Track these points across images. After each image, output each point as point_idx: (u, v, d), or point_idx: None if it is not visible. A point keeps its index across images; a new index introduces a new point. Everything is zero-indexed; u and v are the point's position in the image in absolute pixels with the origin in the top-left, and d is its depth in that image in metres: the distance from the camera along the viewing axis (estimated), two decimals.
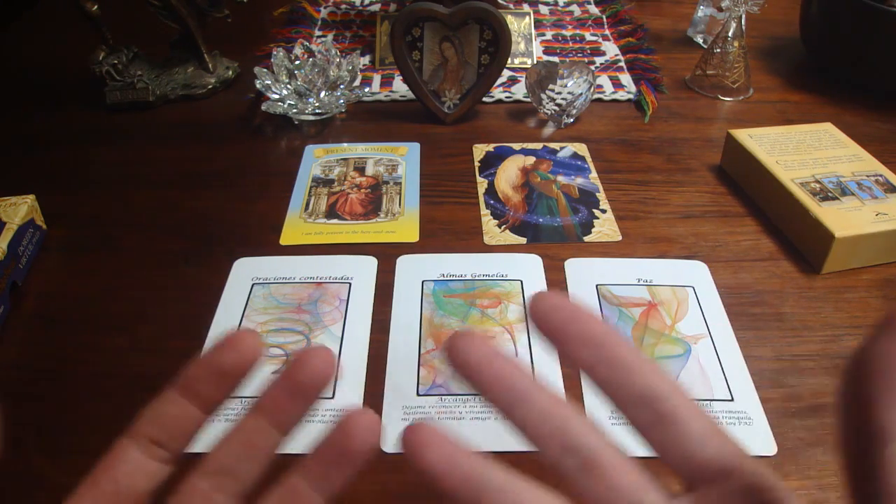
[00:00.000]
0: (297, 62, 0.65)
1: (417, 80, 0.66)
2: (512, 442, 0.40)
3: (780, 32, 0.85)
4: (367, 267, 0.51)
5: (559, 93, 0.64)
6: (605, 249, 0.53)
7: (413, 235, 0.54)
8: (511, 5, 0.87)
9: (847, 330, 0.46)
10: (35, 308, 0.48)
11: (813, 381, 0.43)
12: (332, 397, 0.41)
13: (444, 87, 0.67)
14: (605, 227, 0.55)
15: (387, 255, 0.52)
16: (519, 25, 0.79)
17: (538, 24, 0.86)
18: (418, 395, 0.42)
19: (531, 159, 0.63)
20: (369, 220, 0.56)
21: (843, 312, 0.48)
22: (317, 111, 0.66)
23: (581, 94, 0.65)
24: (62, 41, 0.84)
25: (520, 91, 0.72)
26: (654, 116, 0.69)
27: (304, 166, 0.62)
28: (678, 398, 0.20)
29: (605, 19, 0.88)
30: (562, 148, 0.64)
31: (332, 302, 0.48)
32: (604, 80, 0.75)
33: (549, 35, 0.85)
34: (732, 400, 0.41)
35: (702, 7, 0.83)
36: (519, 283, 0.49)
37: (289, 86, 0.64)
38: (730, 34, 0.70)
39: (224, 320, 0.46)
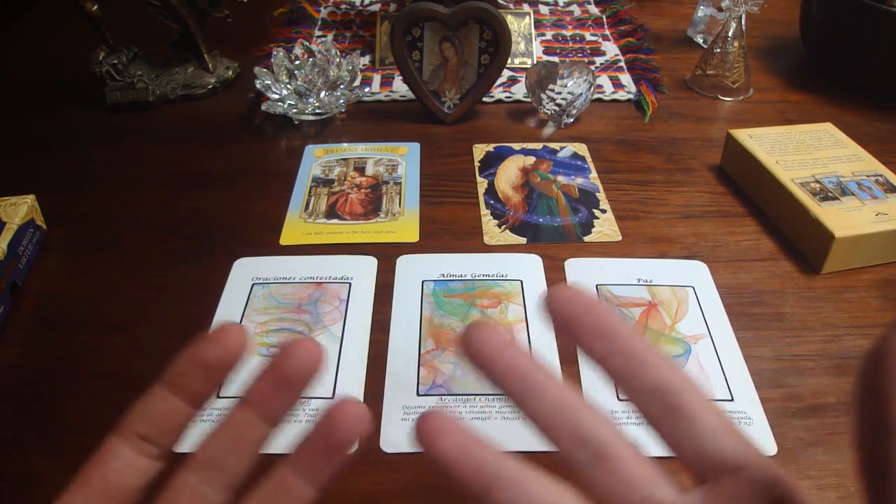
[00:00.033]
0: (297, 62, 0.65)
1: (417, 80, 0.66)
2: (512, 442, 0.40)
3: (780, 32, 0.85)
4: (367, 267, 0.51)
5: (559, 93, 0.64)
6: (605, 249, 0.53)
7: (413, 235, 0.54)
8: (511, 5, 0.87)
9: (847, 330, 0.46)
10: (35, 308, 0.48)
11: (813, 381, 0.43)
12: (332, 397, 0.41)
13: (444, 87, 0.67)
14: (605, 227, 0.55)
15: (387, 255, 0.52)
16: (519, 25, 0.79)
17: (538, 24, 0.86)
18: (418, 395, 0.42)
19: (531, 159, 0.63)
20: (369, 220, 0.56)
21: (843, 312, 0.48)
22: (317, 111, 0.66)
23: (581, 94, 0.65)
24: (62, 41, 0.84)
25: (520, 91, 0.72)
26: (654, 116, 0.69)
27: (304, 166, 0.62)
28: (691, 392, 0.20)
29: (605, 19, 0.88)
30: (562, 148, 0.64)
31: (332, 302, 0.48)
32: (604, 80, 0.75)
33: (549, 35, 0.85)
34: (732, 400, 0.41)
35: (702, 7, 0.83)
36: (519, 283, 0.49)
37: (289, 86, 0.64)
38: (730, 34, 0.70)
39: (224, 320, 0.46)
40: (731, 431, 0.20)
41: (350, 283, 0.49)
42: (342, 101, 0.67)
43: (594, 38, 0.84)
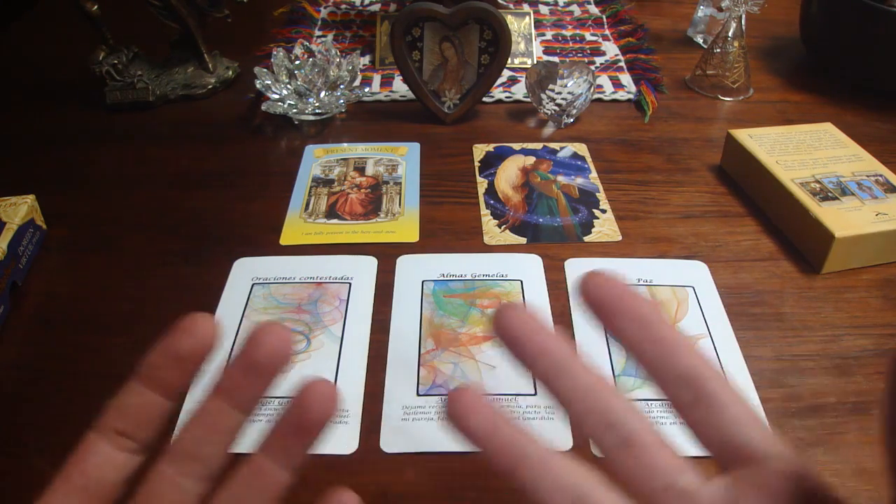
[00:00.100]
0: (297, 62, 0.65)
1: (417, 80, 0.66)
2: None
3: (780, 32, 0.85)
4: (367, 267, 0.51)
5: (559, 93, 0.64)
6: (605, 249, 0.53)
7: (413, 235, 0.54)
8: (511, 5, 0.87)
9: (847, 330, 0.46)
10: (35, 308, 0.48)
11: (813, 381, 0.43)
12: None
13: (444, 87, 0.67)
14: (605, 227, 0.55)
15: (387, 255, 0.52)
16: (519, 25, 0.79)
17: (538, 24, 0.86)
18: (418, 395, 0.42)
19: (531, 159, 0.63)
20: (369, 220, 0.56)
21: (843, 312, 0.48)
22: (317, 111, 0.66)
23: (581, 94, 0.65)
24: (62, 41, 0.84)
25: (520, 91, 0.72)
26: (654, 116, 0.69)
27: (304, 166, 0.62)
28: (719, 381, 0.21)
29: (605, 19, 0.88)
30: (562, 148, 0.64)
31: (332, 302, 0.48)
32: (604, 80, 0.75)
33: (549, 35, 0.85)
34: None
35: (702, 7, 0.83)
36: (519, 283, 0.49)
37: (289, 86, 0.64)
38: (730, 34, 0.70)
39: (224, 320, 0.46)
40: (756, 422, 0.21)
41: (350, 283, 0.49)
42: (342, 101, 0.67)
43: (594, 38, 0.84)
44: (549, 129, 0.67)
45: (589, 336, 0.45)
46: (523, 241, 0.54)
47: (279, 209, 0.57)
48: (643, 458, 0.20)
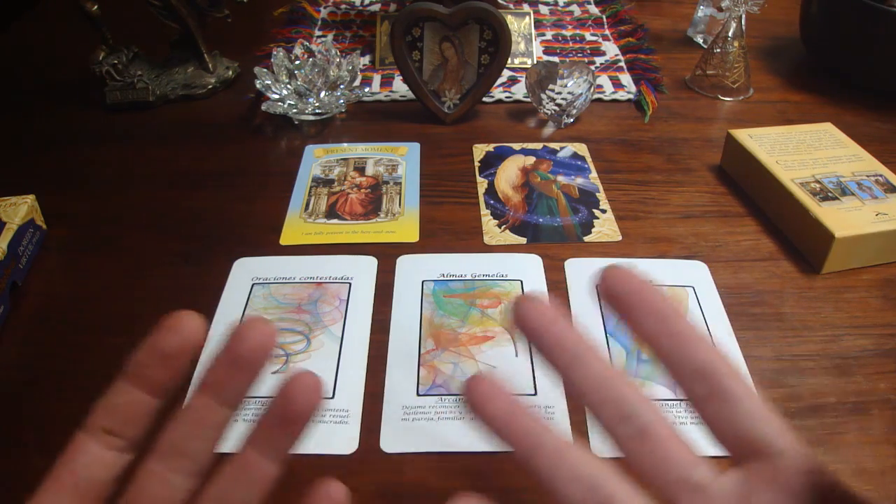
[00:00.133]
0: (297, 62, 0.65)
1: (417, 80, 0.66)
2: None
3: (780, 32, 0.85)
4: (367, 267, 0.51)
5: (559, 93, 0.64)
6: (605, 249, 0.53)
7: (413, 235, 0.54)
8: (511, 5, 0.87)
9: (847, 330, 0.46)
10: (35, 308, 0.48)
11: (813, 381, 0.43)
12: (333, 397, 0.41)
13: (444, 87, 0.67)
14: (605, 227, 0.55)
15: (387, 255, 0.52)
16: (519, 25, 0.79)
17: (538, 24, 0.86)
18: (418, 395, 0.42)
19: (531, 159, 0.63)
20: (369, 220, 0.56)
21: (843, 312, 0.48)
22: (317, 111, 0.66)
23: (581, 94, 0.65)
24: (62, 41, 0.84)
25: (520, 91, 0.72)
26: (654, 116, 0.69)
27: (304, 166, 0.62)
28: (734, 376, 0.21)
29: (605, 19, 0.88)
30: (562, 148, 0.64)
31: (332, 302, 0.48)
32: (604, 80, 0.75)
33: (549, 35, 0.85)
34: None
35: (702, 7, 0.83)
36: (519, 283, 0.49)
37: (289, 86, 0.64)
38: (730, 34, 0.70)
39: (224, 320, 0.46)
40: (770, 417, 0.21)
41: (350, 283, 0.49)
42: (342, 101, 0.67)
43: (594, 38, 0.84)
44: (549, 129, 0.67)
45: (589, 334, 0.45)
46: (523, 241, 0.54)
47: (279, 209, 0.57)
48: (658, 451, 0.20)
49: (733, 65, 0.71)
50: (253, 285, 0.49)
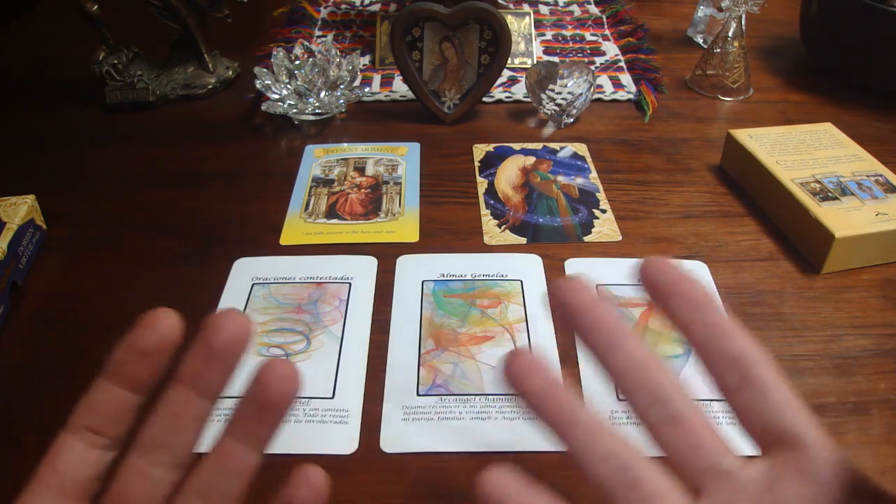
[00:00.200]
0: (297, 62, 0.65)
1: (417, 80, 0.66)
2: (513, 443, 0.40)
3: (780, 32, 0.85)
4: (367, 267, 0.51)
5: (559, 93, 0.64)
6: (605, 249, 0.53)
7: (413, 235, 0.54)
8: (511, 5, 0.87)
9: (847, 330, 0.46)
10: (35, 308, 0.48)
11: (813, 381, 0.43)
12: (333, 397, 0.41)
13: (444, 87, 0.67)
14: (605, 227, 0.55)
15: (387, 255, 0.52)
16: (519, 25, 0.79)
17: (538, 24, 0.86)
18: (418, 395, 0.42)
19: (531, 159, 0.63)
20: (369, 220, 0.56)
21: (843, 312, 0.48)
22: (317, 111, 0.66)
23: (581, 94, 0.65)
24: (62, 41, 0.84)
25: (520, 91, 0.72)
26: (654, 116, 0.69)
27: (304, 166, 0.62)
28: (765, 366, 0.21)
29: (605, 19, 0.88)
30: (562, 148, 0.64)
31: (332, 302, 0.48)
32: (604, 80, 0.75)
33: (549, 35, 0.85)
34: None
35: (702, 7, 0.83)
36: (519, 283, 0.49)
37: (289, 86, 0.64)
38: (730, 34, 0.70)
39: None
40: (799, 408, 0.21)
41: (350, 283, 0.49)
42: (342, 101, 0.67)
43: (594, 38, 0.84)
44: (549, 129, 0.67)
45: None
46: (523, 241, 0.54)
47: (279, 209, 0.57)
48: (688, 438, 0.20)
49: (733, 65, 0.71)
50: (253, 285, 0.49)
